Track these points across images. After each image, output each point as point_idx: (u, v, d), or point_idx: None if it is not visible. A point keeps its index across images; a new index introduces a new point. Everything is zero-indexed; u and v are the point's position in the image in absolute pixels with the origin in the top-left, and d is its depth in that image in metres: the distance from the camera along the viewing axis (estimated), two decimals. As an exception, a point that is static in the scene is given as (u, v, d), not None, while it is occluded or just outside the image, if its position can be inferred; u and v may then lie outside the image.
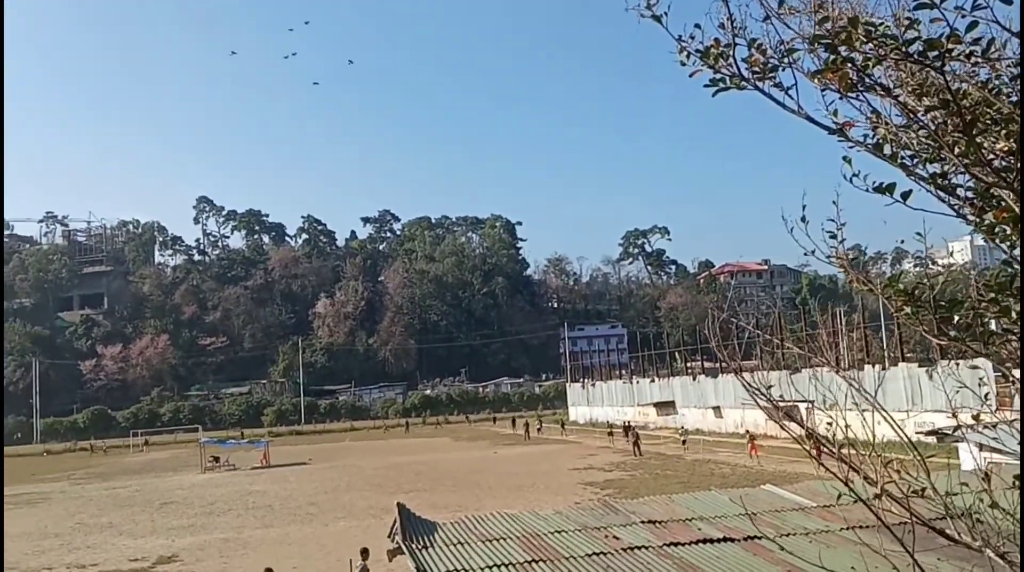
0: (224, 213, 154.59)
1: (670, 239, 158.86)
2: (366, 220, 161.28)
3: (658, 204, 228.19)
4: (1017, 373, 2.76)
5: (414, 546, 8.81)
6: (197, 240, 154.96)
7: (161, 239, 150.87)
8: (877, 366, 42.86)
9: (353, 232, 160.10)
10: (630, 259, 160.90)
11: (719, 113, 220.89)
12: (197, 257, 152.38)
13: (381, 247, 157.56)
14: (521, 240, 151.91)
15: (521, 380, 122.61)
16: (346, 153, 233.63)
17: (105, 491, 44.08)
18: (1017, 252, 2.50)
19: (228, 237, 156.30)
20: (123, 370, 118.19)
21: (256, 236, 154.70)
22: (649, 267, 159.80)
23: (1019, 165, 2.37)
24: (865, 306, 50.98)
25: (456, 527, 9.60)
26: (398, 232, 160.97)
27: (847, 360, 45.11)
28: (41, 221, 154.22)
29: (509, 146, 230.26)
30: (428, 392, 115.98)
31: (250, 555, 23.33)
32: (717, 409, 56.18)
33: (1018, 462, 2.87)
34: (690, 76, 2.67)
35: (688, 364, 67.67)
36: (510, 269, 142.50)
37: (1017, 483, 2.57)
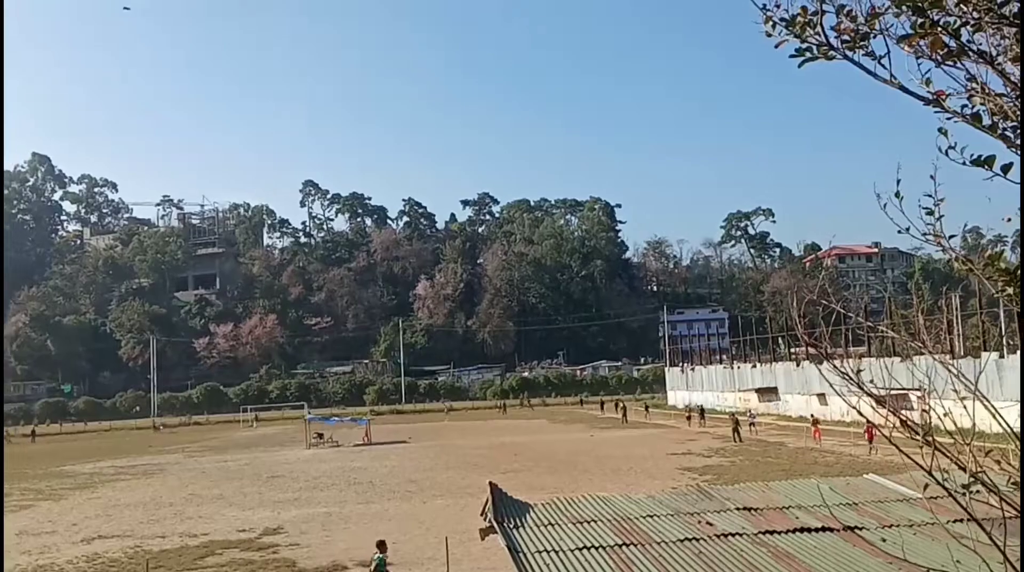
0: (328, 196, 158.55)
1: (774, 221, 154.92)
2: (465, 203, 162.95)
3: (762, 186, 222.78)
4: None
5: (506, 525, 8.88)
6: (303, 223, 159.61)
7: (269, 222, 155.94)
8: (994, 353, 40.80)
9: (453, 215, 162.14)
10: (732, 242, 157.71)
11: (823, 89, 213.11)
12: (303, 239, 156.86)
13: (480, 230, 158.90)
14: (620, 223, 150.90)
15: (619, 363, 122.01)
16: (447, 137, 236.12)
17: (217, 464, 46.04)
18: None
19: (332, 220, 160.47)
20: (234, 348, 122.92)
21: (359, 219, 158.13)
22: (752, 250, 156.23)
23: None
24: (983, 292, 48.62)
25: (548, 508, 9.62)
26: (497, 215, 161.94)
27: (961, 347, 43.13)
28: (158, 204, 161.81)
29: (610, 128, 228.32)
30: (526, 374, 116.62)
31: (351, 529, 23.99)
32: (822, 396, 54.60)
33: None
34: (776, 47, 2.55)
35: (792, 350, 65.97)
36: (609, 252, 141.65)
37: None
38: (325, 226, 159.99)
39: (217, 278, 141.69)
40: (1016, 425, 2.72)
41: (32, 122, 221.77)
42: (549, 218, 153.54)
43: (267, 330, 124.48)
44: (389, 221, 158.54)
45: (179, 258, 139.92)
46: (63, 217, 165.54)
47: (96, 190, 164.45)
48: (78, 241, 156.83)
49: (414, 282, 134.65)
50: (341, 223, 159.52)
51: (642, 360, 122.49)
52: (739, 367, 70.30)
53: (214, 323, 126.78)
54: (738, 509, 9.44)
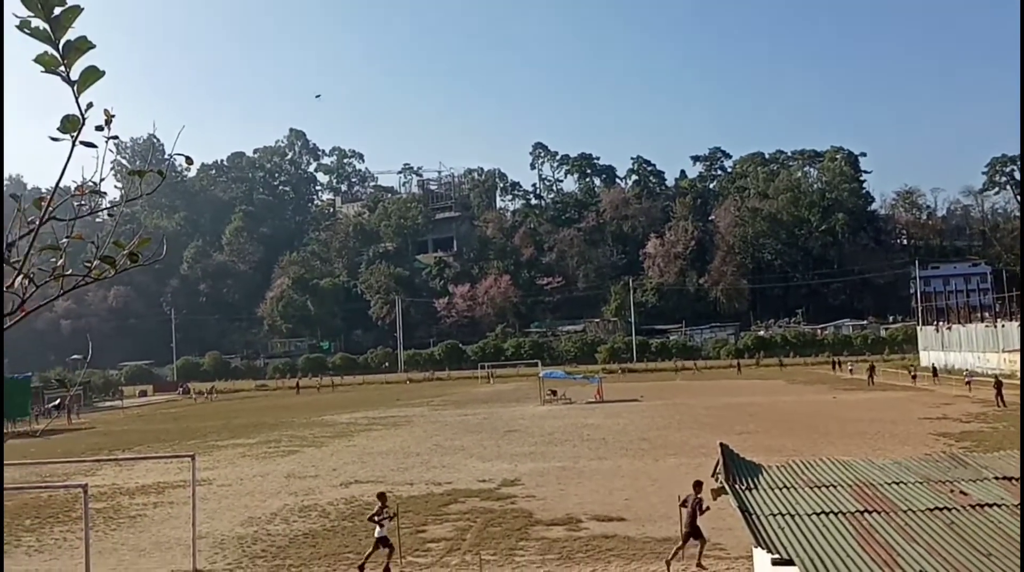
0: (558, 158, 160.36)
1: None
2: (696, 158, 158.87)
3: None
4: None
5: (737, 487, 8.65)
6: (533, 185, 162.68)
7: (501, 185, 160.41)
8: None
9: (683, 171, 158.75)
10: (996, 189, 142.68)
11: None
12: (534, 201, 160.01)
13: (711, 185, 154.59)
14: (865, 173, 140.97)
15: (864, 322, 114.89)
16: (678, 92, 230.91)
17: (458, 417, 48.47)
18: None
19: (562, 181, 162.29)
20: (471, 308, 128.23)
21: (588, 179, 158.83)
22: (1020, 197, 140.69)
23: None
24: None
25: (782, 471, 9.26)
26: (729, 169, 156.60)
27: None
28: (400, 172, 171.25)
29: (853, 72, 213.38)
30: (761, 333, 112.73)
31: (584, 484, 24.45)
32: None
33: None
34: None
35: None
36: (852, 204, 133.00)
37: None
38: (555, 187, 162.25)
39: (454, 241, 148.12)
40: None
41: (289, 102, 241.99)
42: (785, 171, 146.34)
43: (501, 290, 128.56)
44: (618, 180, 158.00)
45: (419, 222, 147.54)
46: (317, 187, 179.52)
47: (345, 161, 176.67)
48: (331, 209, 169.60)
49: (643, 241, 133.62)
50: (570, 184, 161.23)
51: (890, 318, 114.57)
52: (1004, 325, 64.05)
53: (452, 284, 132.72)
54: (997, 478, 8.61)
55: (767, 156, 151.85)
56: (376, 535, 16.32)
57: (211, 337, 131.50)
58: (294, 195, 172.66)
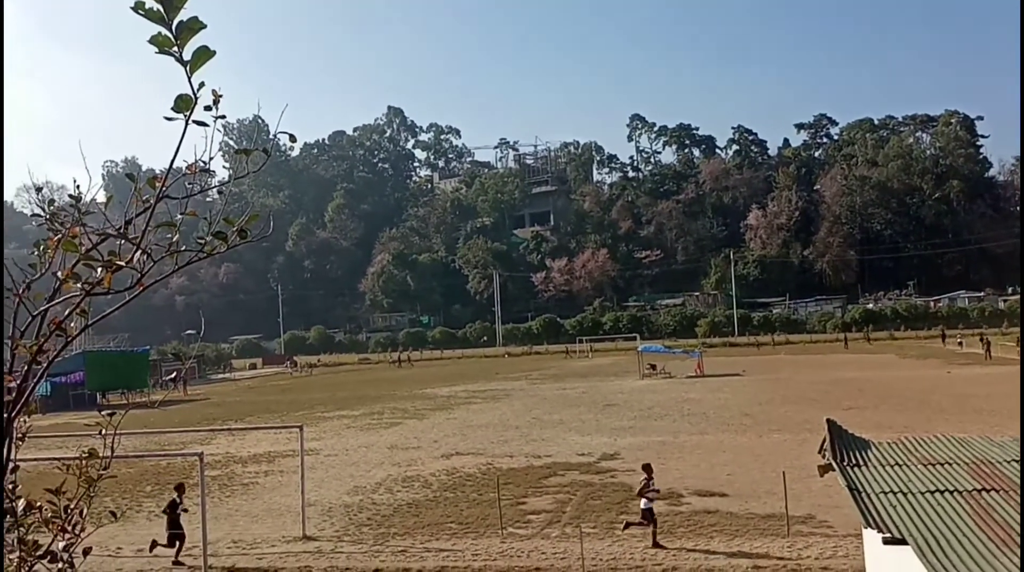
0: (655, 129, 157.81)
1: None
2: (800, 126, 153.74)
3: None
4: None
5: (845, 464, 8.39)
6: (631, 157, 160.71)
7: (598, 158, 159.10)
8: None
9: (786, 140, 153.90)
10: None
11: None
12: (631, 174, 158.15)
13: (816, 154, 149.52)
14: (982, 137, 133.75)
15: (981, 294, 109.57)
16: (779, 58, 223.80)
17: (556, 391, 48.63)
18: None
19: (660, 153, 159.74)
20: (568, 282, 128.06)
21: (687, 150, 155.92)
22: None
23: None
24: None
25: (893, 447, 8.94)
26: (835, 137, 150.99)
27: None
28: (496, 147, 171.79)
29: (971, 28, 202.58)
30: (870, 306, 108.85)
31: (685, 458, 24.22)
32: None
33: None
34: None
35: None
36: (968, 170, 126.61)
37: None
38: (652, 159, 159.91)
39: (551, 215, 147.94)
40: None
41: (388, 80, 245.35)
42: (896, 137, 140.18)
43: (599, 264, 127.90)
44: (717, 150, 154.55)
45: (516, 197, 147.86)
46: (415, 164, 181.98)
47: (442, 137, 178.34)
48: (429, 185, 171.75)
49: (745, 212, 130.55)
50: (668, 155, 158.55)
51: (1009, 290, 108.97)
52: None
53: (550, 258, 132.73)
54: None
55: (876, 122, 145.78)
56: (642, 507, 16.09)
57: (316, 312, 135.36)
58: (393, 172, 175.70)
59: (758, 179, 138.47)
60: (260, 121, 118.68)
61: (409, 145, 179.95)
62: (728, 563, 14.33)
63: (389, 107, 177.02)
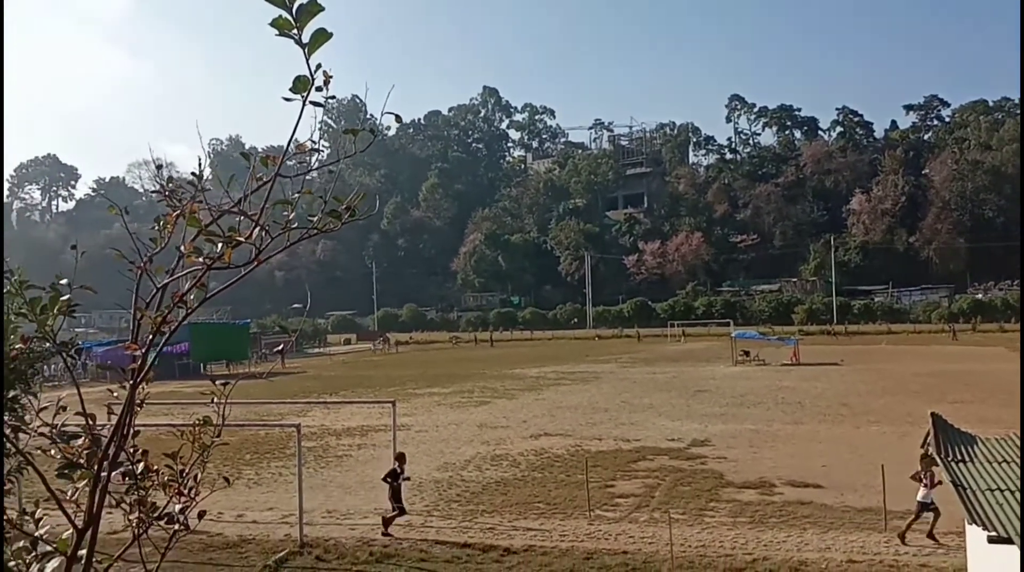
0: (755, 110, 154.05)
1: None
2: (909, 108, 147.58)
3: None
4: None
5: (949, 459, 8.09)
6: (728, 139, 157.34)
7: (695, 140, 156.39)
8: None
9: (893, 122, 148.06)
10: None
11: None
12: (728, 156, 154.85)
13: (926, 137, 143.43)
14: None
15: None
16: (888, 38, 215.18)
17: (646, 375, 48.28)
18: None
19: (759, 134, 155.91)
20: (661, 265, 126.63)
21: (787, 132, 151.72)
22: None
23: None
24: None
25: (1001, 444, 8.56)
26: (947, 119, 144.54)
27: None
28: (590, 128, 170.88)
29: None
30: (979, 296, 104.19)
31: (778, 447, 23.76)
32: None
33: None
34: None
35: None
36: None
37: None
38: (751, 141, 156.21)
39: (645, 197, 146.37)
40: None
41: (483, 60, 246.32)
42: (1012, 120, 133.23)
43: (693, 248, 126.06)
44: (820, 132, 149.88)
45: (610, 178, 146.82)
46: (509, 144, 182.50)
47: (537, 118, 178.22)
48: (522, 166, 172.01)
49: (847, 196, 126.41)
50: (768, 137, 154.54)
51: None
52: None
53: (642, 241, 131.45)
54: None
55: (991, 104, 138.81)
56: (919, 499, 14.96)
57: (409, 290, 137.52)
58: (487, 152, 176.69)
59: (863, 162, 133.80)
60: (358, 100, 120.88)
61: (503, 125, 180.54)
62: (821, 556, 14.02)
63: (484, 87, 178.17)
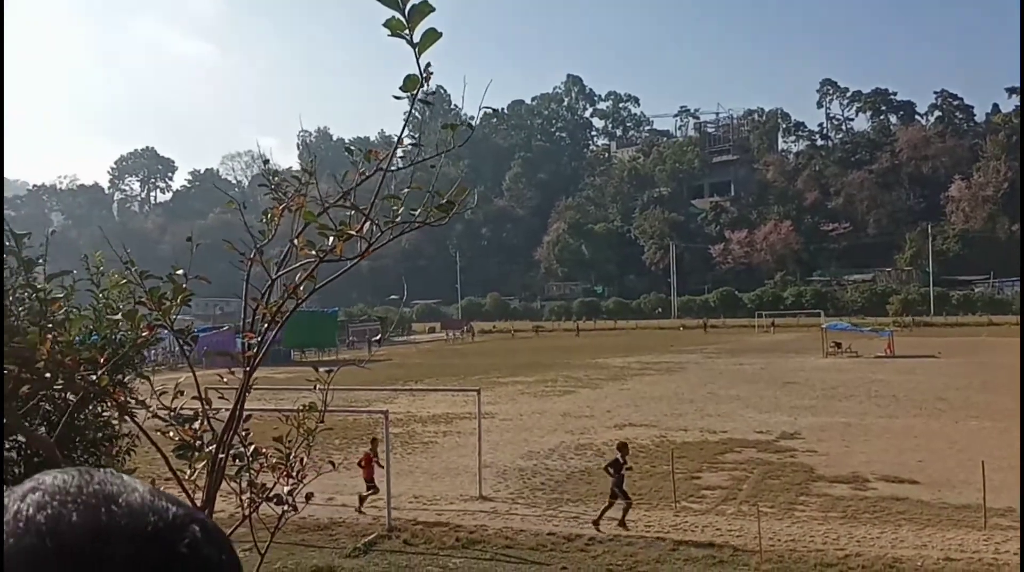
0: (848, 95, 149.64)
1: None
2: (1012, 91, 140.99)
3: None
4: None
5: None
6: (820, 125, 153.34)
7: (784, 126, 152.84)
8: None
9: (995, 105, 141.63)
10: None
11: None
12: (819, 142, 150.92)
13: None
14: None
15: None
16: (991, 15, 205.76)
17: (733, 366, 47.53)
18: None
19: (852, 119, 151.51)
20: (748, 254, 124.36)
21: (882, 117, 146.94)
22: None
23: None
24: None
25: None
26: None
27: None
28: (675, 115, 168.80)
29: None
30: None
31: (872, 442, 23.12)
32: None
33: None
34: None
35: None
36: None
37: None
38: (844, 127, 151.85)
39: (731, 185, 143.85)
40: None
41: (567, 49, 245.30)
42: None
43: (782, 236, 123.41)
44: (917, 117, 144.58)
45: (695, 166, 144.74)
46: (592, 133, 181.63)
47: (621, 106, 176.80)
48: (606, 154, 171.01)
49: (946, 183, 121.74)
50: (862, 122, 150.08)
51: None
52: None
53: (729, 229, 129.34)
54: None
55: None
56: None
57: (492, 279, 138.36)
58: (570, 141, 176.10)
59: (962, 148, 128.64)
60: (442, 91, 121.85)
61: (587, 114, 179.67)
62: (917, 553, 13.61)
63: (568, 75, 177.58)
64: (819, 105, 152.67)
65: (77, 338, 2.38)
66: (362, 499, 17.05)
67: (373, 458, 17.52)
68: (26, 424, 2.13)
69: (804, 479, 18.74)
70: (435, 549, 14.70)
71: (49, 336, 2.05)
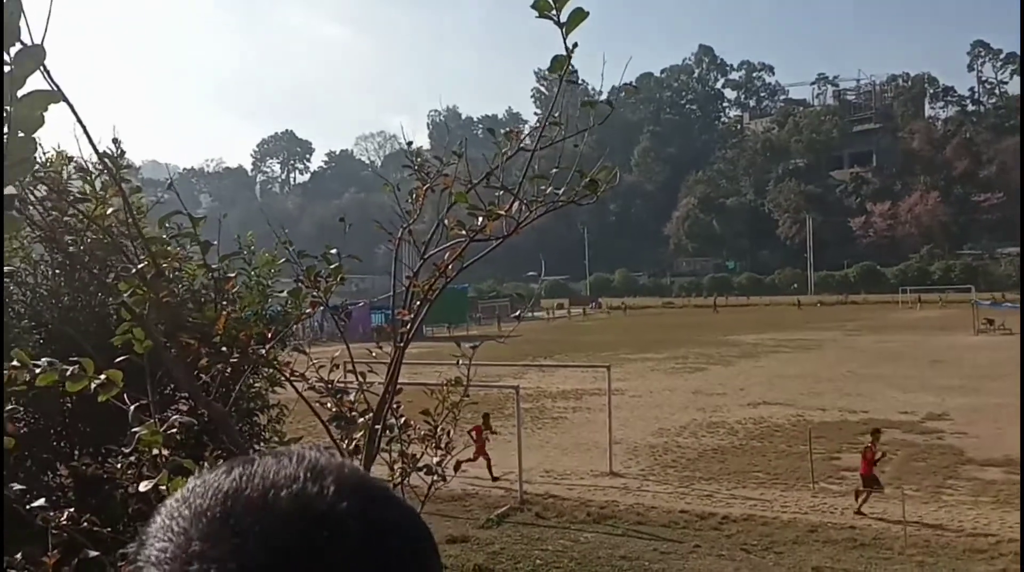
0: (1002, 57, 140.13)
1: None
2: None
3: None
4: None
5: None
6: (971, 89, 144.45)
7: (931, 91, 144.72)
8: None
9: None
10: None
11: None
12: (971, 108, 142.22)
13: None
14: None
15: None
16: None
17: (874, 344, 45.66)
18: None
19: (1006, 83, 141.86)
20: (891, 227, 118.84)
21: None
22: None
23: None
24: None
25: None
26: None
27: None
28: (813, 83, 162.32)
29: None
30: None
31: (1027, 425, 21.80)
32: None
33: None
34: None
35: None
36: None
37: None
38: (998, 91, 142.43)
39: (873, 155, 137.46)
40: None
41: (697, 18, 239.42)
42: None
43: (928, 208, 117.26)
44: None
45: (834, 136, 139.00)
46: (724, 104, 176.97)
47: (754, 75, 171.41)
48: (738, 126, 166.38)
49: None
50: (1016, 86, 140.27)
51: None
52: None
53: (870, 201, 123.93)
54: None
55: None
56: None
57: (620, 255, 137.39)
58: (701, 114, 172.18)
59: None
60: (571, 66, 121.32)
61: (719, 85, 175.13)
62: (1078, 544, 12.79)
63: (700, 46, 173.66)
64: (970, 68, 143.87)
65: (248, 313, 2.56)
66: (863, 496, 15.48)
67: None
68: (203, 396, 2.30)
69: (952, 462, 17.90)
70: (566, 523, 14.86)
71: (224, 313, 2.21)
